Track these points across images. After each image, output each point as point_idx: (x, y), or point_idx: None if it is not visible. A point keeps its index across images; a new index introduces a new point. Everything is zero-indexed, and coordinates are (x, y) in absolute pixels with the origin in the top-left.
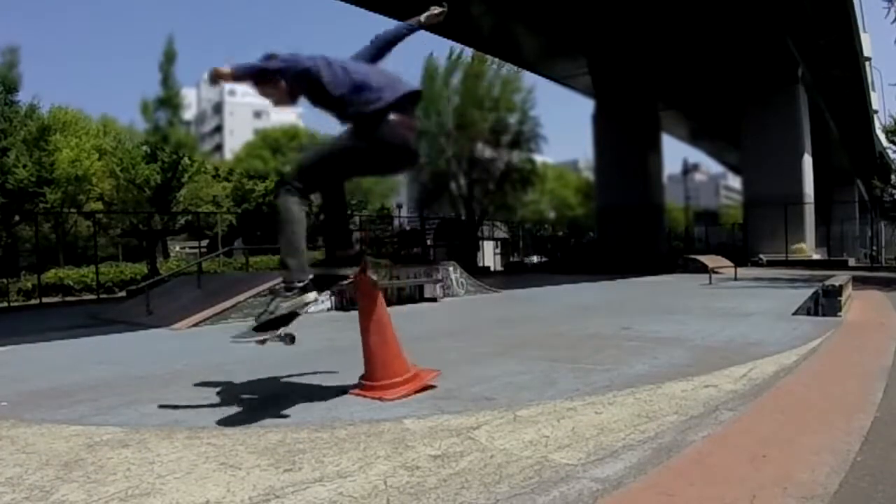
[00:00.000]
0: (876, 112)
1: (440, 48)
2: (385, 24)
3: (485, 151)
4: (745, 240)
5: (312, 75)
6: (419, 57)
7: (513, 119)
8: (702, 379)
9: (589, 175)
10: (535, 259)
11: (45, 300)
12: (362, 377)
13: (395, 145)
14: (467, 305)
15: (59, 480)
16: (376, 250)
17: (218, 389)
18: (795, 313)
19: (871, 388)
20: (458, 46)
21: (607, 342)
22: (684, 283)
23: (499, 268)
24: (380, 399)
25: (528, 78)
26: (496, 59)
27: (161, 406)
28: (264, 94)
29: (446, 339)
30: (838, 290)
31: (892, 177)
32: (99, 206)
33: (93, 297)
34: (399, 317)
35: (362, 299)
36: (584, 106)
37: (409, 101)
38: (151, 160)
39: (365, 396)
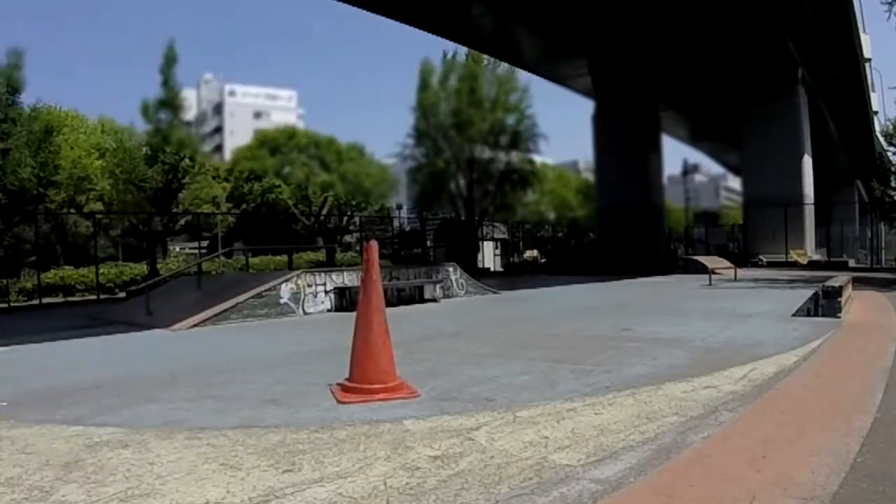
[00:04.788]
0: (876, 113)
1: (440, 48)
2: (385, 25)
3: (483, 152)
4: (744, 241)
5: None
6: (415, 59)
7: (510, 119)
8: (702, 380)
9: (589, 176)
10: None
11: (45, 300)
12: (346, 378)
13: None
14: (467, 306)
15: (59, 481)
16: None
17: (218, 390)
18: (795, 314)
19: (871, 388)
20: (452, 47)
21: (607, 343)
22: (684, 284)
23: (499, 268)
24: (337, 400)
25: (523, 77)
26: (491, 59)
27: (161, 406)
28: None
29: (446, 340)
30: (838, 292)
31: (892, 179)
32: (99, 206)
33: (93, 297)
34: (399, 318)
35: (360, 300)
36: (585, 107)
37: None
38: (153, 161)
39: (333, 394)
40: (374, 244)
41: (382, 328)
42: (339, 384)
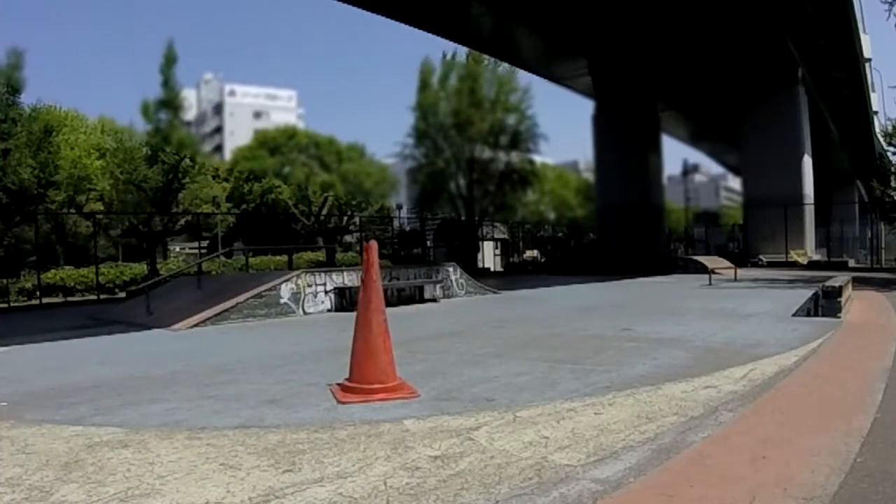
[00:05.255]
0: (876, 113)
1: (440, 48)
2: (385, 25)
3: (483, 152)
4: (744, 241)
5: None
6: (415, 59)
7: (511, 120)
8: (702, 380)
9: (589, 176)
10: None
11: (45, 300)
12: (346, 378)
13: None
14: (467, 306)
15: (59, 481)
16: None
17: (218, 390)
18: (795, 314)
19: (871, 389)
20: (452, 47)
21: (607, 343)
22: (684, 284)
23: (499, 268)
24: (336, 400)
25: (524, 77)
26: (492, 59)
27: (161, 406)
28: None
29: (446, 340)
30: (838, 292)
31: (892, 179)
32: (99, 206)
33: (93, 297)
34: (399, 318)
35: (359, 300)
36: (585, 106)
37: None
38: (153, 161)
39: (333, 394)
40: (373, 244)
41: (382, 328)
42: (338, 384)
